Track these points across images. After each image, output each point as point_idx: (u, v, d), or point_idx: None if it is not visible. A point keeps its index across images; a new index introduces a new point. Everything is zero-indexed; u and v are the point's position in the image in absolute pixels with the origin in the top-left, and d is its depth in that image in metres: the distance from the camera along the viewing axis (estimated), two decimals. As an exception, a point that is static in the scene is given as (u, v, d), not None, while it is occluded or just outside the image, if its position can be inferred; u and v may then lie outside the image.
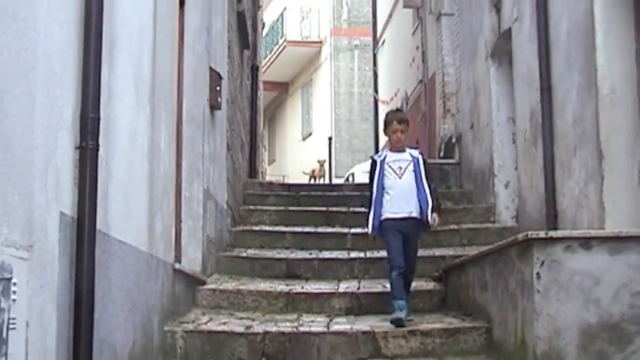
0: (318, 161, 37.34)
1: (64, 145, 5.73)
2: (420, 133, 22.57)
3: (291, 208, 16.04)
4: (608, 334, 7.17)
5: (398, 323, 9.25)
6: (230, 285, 11.49)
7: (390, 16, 28.39)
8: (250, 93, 20.43)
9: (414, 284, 10.89)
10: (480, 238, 13.27)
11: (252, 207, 16.09)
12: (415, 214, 9.68)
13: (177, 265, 9.90)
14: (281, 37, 45.30)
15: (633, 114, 9.34)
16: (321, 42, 43.96)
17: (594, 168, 9.52)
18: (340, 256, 13.04)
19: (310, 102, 45.68)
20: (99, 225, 6.18)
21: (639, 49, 9.37)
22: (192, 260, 11.08)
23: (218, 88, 12.50)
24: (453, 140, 18.00)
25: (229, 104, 14.31)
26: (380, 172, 9.84)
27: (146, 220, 8.21)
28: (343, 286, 11.49)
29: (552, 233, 8.03)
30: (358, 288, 11.36)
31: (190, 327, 9.48)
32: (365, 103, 39.26)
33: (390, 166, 9.81)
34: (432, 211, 9.70)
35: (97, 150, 6.09)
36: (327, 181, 34.02)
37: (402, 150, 9.99)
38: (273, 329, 9.46)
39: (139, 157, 7.95)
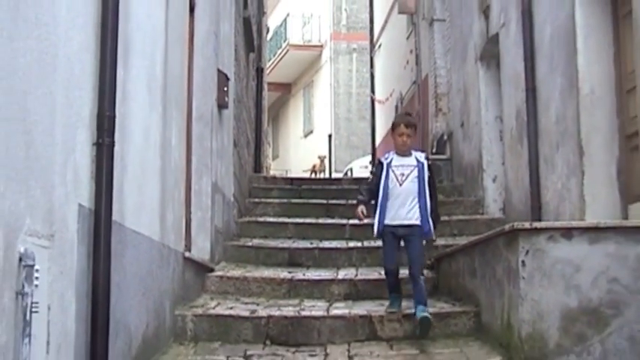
0: (319, 157, 37.36)
1: (82, 142, 5.76)
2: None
3: (293, 200, 16.04)
4: (587, 317, 7.19)
5: (390, 315, 9.12)
6: (236, 272, 11.50)
7: (386, 21, 28.35)
8: (255, 93, 20.42)
9: (407, 272, 10.92)
10: (469, 228, 13.27)
11: (257, 199, 16.10)
12: (414, 221, 8.99)
13: (187, 254, 9.92)
14: (284, 41, 45.26)
15: (611, 113, 9.35)
16: (321, 46, 43.91)
17: (575, 163, 9.53)
18: (339, 246, 13.04)
19: (311, 102, 45.64)
20: (114, 216, 6.21)
21: (617, 52, 9.38)
22: (201, 249, 11.09)
23: (225, 88, 12.51)
24: (445, 137, 18.00)
25: (236, 103, 14.31)
26: (385, 176, 9.17)
27: (158, 211, 8.23)
28: (342, 274, 11.49)
29: (536, 224, 8.06)
30: (356, 275, 11.36)
31: (199, 311, 9.51)
32: (362, 103, 39.22)
33: (393, 171, 9.16)
34: (432, 222, 9.08)
35: (113, 146, 6.12)
36: (327, 176, 34.02)
37: (408, 154, 9.26)
38: (277, 313, 9.47)
39: (151, 153, 7.97)
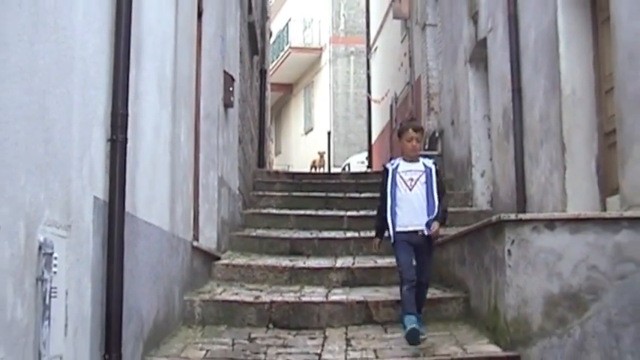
0: (319, 153, 37.36)
1: (97, 138, 5.78)
2: (407, 128, 22.56)
3: (294, 193, 16.05)
4: (568, 302, 7.20)
5: (413, 338, 7.72)
6: (241, 260, 11.51)
7: (382, 26, 28.34)
8: (259, 93, 20.42)
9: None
10: (459, 220, 13.26)
11: (260, 192, 16.11)
12: (424, 228, 8.19)
13: (195, 243, 9.93)
14: (286, 44, 45.24)
15: (591, 113, 9.37)
16: (321, 49, 43.88)
17: (558, 159, 9.54)
18: (337, 236, 13.05)
19: (311, 101, 45.61)
20: (127, 208, 6.22)
21: (596, 56, 9.39)
22: (208, 239, 11.11)
23: (231, 88, 12.52)
24: (436, 135, 18.01)
25: (241, 103, 14.32)
26: (392, 181, 8.37)
27: (168, 203, 8.25)
28: (340, 262, 11.49)
29: (521, 216, 8.07)
30: (353, 263, 11.36)
31: (207, 297, 9.53)
32: (359, 102, 39.18)
33: (401, 177, 8.34)
34: (434, 221, 8.23)
35: (126, 142, 6.14)
36: (326, 171, 34.02)
37: (415, 160, 8.46)
38: (279, 299, 9.48)
39: (161, 149, 7.99)
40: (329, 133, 39.37)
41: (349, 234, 13.22)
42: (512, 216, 7.82)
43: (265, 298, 9.53)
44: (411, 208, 8.26)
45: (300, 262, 11.44)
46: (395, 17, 23.92)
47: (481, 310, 8.34)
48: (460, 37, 15.26)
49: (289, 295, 9.85)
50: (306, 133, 45.92)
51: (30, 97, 4.35)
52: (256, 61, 19.36)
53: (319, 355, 7.90)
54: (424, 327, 8.12)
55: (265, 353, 7.91)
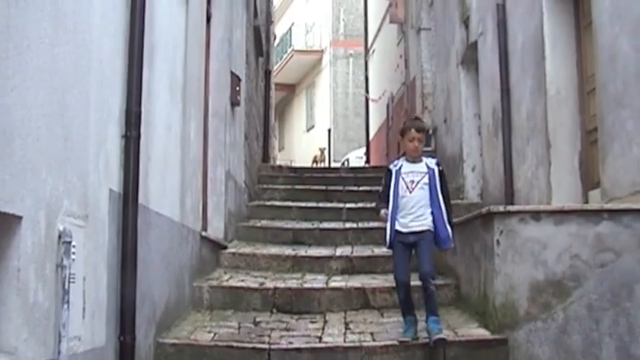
0: (319, 149, 37.39)
1: (112, 135, 5.81)
2: (403, 126, 22.55)
3: (297, 187, 15.99)
4: (552, 288, 7.23)
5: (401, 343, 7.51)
6: (247, 249, 11.52)
7: (379, 30, 28.31)
8: (264, 92, 20.39)
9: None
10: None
11: (265, 186, 16.08)
12: (425, 227, 7.59)
13: (203, 233, 9.96)
14: (289, 47, 45.16)
15: (574, 112, 9.38)
16: (322, 51, 43.81)
17: (543, 155, 9.55)
18: (337, 227, 13.04)
19: (313, 100, 45.56)
20: (140, 199, 6.25)
21: (579, 58, 9.40)
22: (216, 229, 11.13)
23: (237, 88, 12.53)
24: (430, 132, 17.96)
25: (247, 102, 14.33)
26: (395, 183, 7.82)
27: (179, 196, 8.27)
28: (339, 251, 11.49)
29: (509, 208, 8.09)
30: (351, 252, 11.36)
31: (215, 283, 9.55)
32: (358, 102, 39.11)
33: (403, 178, 7.77)
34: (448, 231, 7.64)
35: (139, 138, 6.16)
36: (326, 165, 34.00)
37: (418, 160, 7.85)
38: (282, 285, 9.51)
39: (172, 145, 8.01)
40: (329, 131, 39.38)
41: (348, 225, 13.22)
42: (501, 208, 7.85)
43: (269, 284, 9.55)
44: (409, 211, 7.67)
45: (302, 251, 11.45)
46: (391, 22, 23.92)
47: (471, 296, 8.37)
48: (452, 41, 15.26)
49: (292, 281, 9.87)
50: (308, 130, 45.87)
51: (50, 96, 4.38)
52: (261, 62, 19.35)
53: (320, 337, 7.93)
54: (440, 325, 7.52)
55: (269, 336, 7.93)
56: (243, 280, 9.88)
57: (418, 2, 19.64)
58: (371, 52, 30.49)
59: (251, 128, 15.70)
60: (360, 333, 8.04)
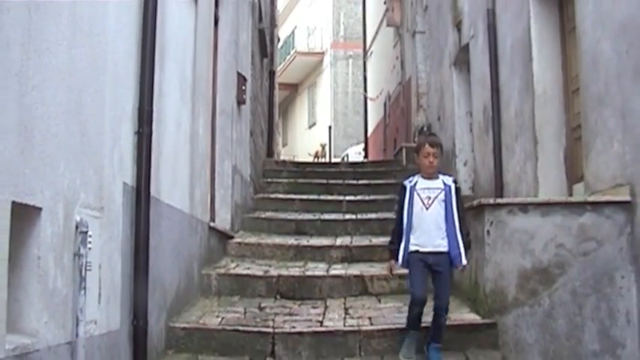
0: (321, 145, 37.36)
1: (126, 131, 5.83)
2: (399, 123, 22.55)
3: (299, 180, 16.01)
4: (539, 276, 7.25)
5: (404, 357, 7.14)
6: (252, 239, 11.54)
7: (377, 33, 28.27)
8: (268, 92, 20.40)
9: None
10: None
11: (269, 179, 16.09)
12: (443, 248, 6.96)
13: (211, 224, 9.98)
14: (292, 49, 45.12)
15: (560, 110, 9.36)
16: (323, 53, 43.76)
17: (531, 151, 9.55)
18: (337, 218, 13.06)
19: (314, 99, 45.52)
20: (152, 192, 6.28)
21: (564, 60, 9.39)
22: (223, 220, 11.15)
23: (243, 87, 12.54)
24: (425, 129, 17.98)
25: (252, 100, 14.34)
26: (409, 200, 7.12)
27: (188, 188, 8.29)
28: (339, 241, 11.52)
29: (499, 200, 8.11)
30: (351, 242, 11.39)
31: (222, 271, 9.58)
32: (357, 100, 39.05)
33: (419, 195, 7.10)
34: (464, 251, 7.00)
35: (151, 135, 6.19)
36: (327, 160, 33.99)
37: (434, 177, 7.20)
38: (285, 273, 9.53)
39: (182, 140, 8.03)
40: (330, 127, 39.37)
41: (347, 216, 13.24)
42: (491, 200, 7.86)
43: (273, 272, 9.58)
44: (427, 228, 7.01)
45: (304, 241, 11.48)
46: (388, 25, 23.89)
47: (463, 283, 8.38)
48: (445, 43, 15.25)
49: (294, 269, 9.90)
50: (310, 127, 45.84)
51: (68, 95, 4.40)
52: (266, 63, 19.36)
53: (321, 322, 7.95)
54: (439, 354, 7.05)
55: (273, 320, 7.96)
56: (248, 268, 9.91)
57: (413, 7, 19.63)
58: (369, 53, 30.45)
59: (256, 125, 15.71)
60: (358, 318, 8.07)
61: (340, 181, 15.78)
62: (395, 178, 16.20)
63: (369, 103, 29.88)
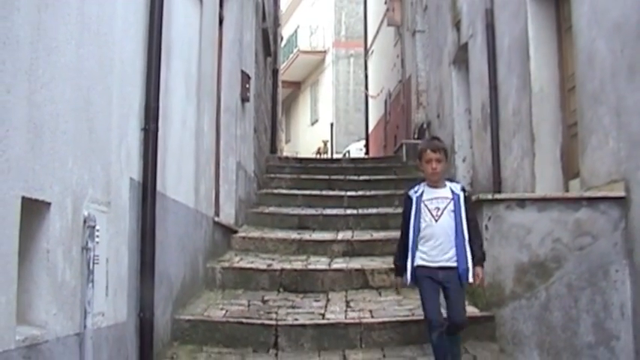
0: (323, 141, 37.37)
1: (132, 128, 5.84)
2: (400, 120, 22.55)
3: (302, 176, 16.01)
4: (536, 269, 7.26)
5: None
6: (256, 233, 11.54)
7: (378, 32, 28.25)
8: (272, 89, 20.38)
9: (393, 234, 10.92)
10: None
11: (272, 175, 16.09)
12: (454, 263, 6.30)
13: (216, 218, 9.99)
14: (295, 48, 45.04)
15: (556, 108, 9.37)
16: (325, 51, 43.69)
17: (528, 147, 9.56)
18: (339, 213, 13.05)
19: (317, 96, 45.47)
20: (158, 187, 6.28)
21: (560, 59, 9.39)
22: (227, 215, 11.16)
23: (247, 85, 12.54)
24: (424, 126, 17.98)
25: (256, 98, 14.34)
26: (416, 212, 6.44)
27: (193, 184, 8.30)
28: (341, 235, 11.50)
29: (497, 195, 8.12)
30: (352, 236, 11.37)
31: (226, 264, 9.58)
32: (358, 98, 38.98)
33: (426, 206, 6.41)
34: (474, 264, 6.33)
35: (157, 131, 6.19)
36: (329, 157, 33.97)
37: (441, 185, 6.53)
38: (288, 266, 9.53)
39: (187, 137, 8.04)
40: (331, 124, 39.28)
41: (349, 211, 13.23)
42: (489, 196, 7.87)
43: (276, 265, 9.58)
44: (437, 242, 6.34)
45: (307, 235, 11.47)
46: (389, 24, 23.88)
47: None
48: (445, 42, 15.24)
49: (297, 263, 9.90)
50: (312, 124, 45.79)
51: (76, 93, 4.41)
52: (269, 62, 19.35)
53: (323, 314, 7.96)
54: None
55: (276, 313, 7.97)
56: (252, 262, 9.91)
57: (413, 7, 19.63)
58: (370, 52, 30.43)
59: (260, 122, 15.71)
60: (359, 310, 8.08)
61: (342, 177, 15.77)
62: (395, 174, 16.22)
63: (370, 100, 29.87)
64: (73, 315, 4.37)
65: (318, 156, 33.81)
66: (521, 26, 9.82)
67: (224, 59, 11.20)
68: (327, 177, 15.86)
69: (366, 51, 31.00)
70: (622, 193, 7.02)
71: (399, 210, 12.34)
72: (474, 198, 7.79)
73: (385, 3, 24.66)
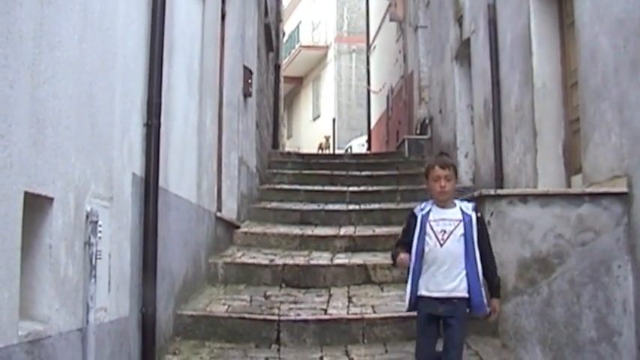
0: (325, 136, 37.37)
1: (135, 123, 5.84)
2: (402, 115, 22.54)
3: (304, 171, 15.98)
4: (538, 265, 7.25)
5: None
6: (258, 229, 11.54)
7: (380, 27, 28.23)
8: (274, 85, 20.36)
9: (395, 229, 10.92)
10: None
11: (274, 170, 16.06)
12: (459, 293, 5.51)
13: (218, 214, 9.99)
14: (297, 43, 45.05)
15: (558, 103, 9.37)
16: (327, 47, 43.70)
17: (530, 143, 9.56)
18: (341, 208, 13.05)
19: (319, 92, 45.48)
20: (161, 183, 6.29)
21: (563, 54, 9.39)
22: (229, 210, 11.16)
23: (250, 81, 12.54)
24: (427, 121, 17.98)
25: (258, 93, 14.33)
26: (420, 232, 5.64)
27: (195, 179, 8.30)
28: (343, 231, 11.50)
29: (499, 191, 8.11)
30: (354, 232, 11.37)
31: (229, 260, 9.59)
32: (360, 93, 38.98)
33: (431, 227, 5.61)
34: (491, 295, 5.72)
35: (159, 127, 6.19)
36: (331, 152, 33.97)
37: (451, 205, 5.72)
38: (290, 262, 9.54)
39: (190, 132, 8.04)
40: (334, 120, 39.33)
41: (351, 206, 13.23)
42: (492, 191, 7.86)
43: (279, 261, 9.59)
44: (440, 269, 5.56)
45: (309, 231, 11.47)
46: (391, 20, 23.86)
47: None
48: (447, 38, 15.24)
49: (299, 258, 9.90)
50: (314, 119, 45.81)
51: (79, 88, 4.41)
52: (271, 57, 19.34)
53: (325, 310, 7.97)
54: None
55: (279, 308, 7.98)
56: (254, 257, 9.92)
57: (416, 2, 19.61)
58: (372, 47, 30.41)
59: (262, 117, 15.70)
60: (362, 306, 8.08)
61: (344, 172, 15.75)
62: (397, 169, 16.22)
63: (372, 96, 29.85)
64: (75, 310, 4.37)
65: (320, 151, 33.78)
66: (524, 22, 9.82)
67: (226, 54, 11.20)
68: (329, 172, 15.83)
69: (368, 46, 30.98)
70: (624, 189, 7.02)
71: (402, 206, 12.48)
72: (476, 193, 7.80)
73: (387, -2, 24.68)
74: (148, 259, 6.03)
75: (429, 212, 5.70)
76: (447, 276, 5.53)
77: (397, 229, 10.38)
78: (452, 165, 5.86)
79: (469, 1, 13.01)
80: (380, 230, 11.29)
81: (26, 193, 3.64)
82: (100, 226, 4.67)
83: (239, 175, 11.49)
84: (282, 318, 7.52)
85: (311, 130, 44.69)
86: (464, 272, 5.52)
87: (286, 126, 41.40)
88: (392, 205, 13.00)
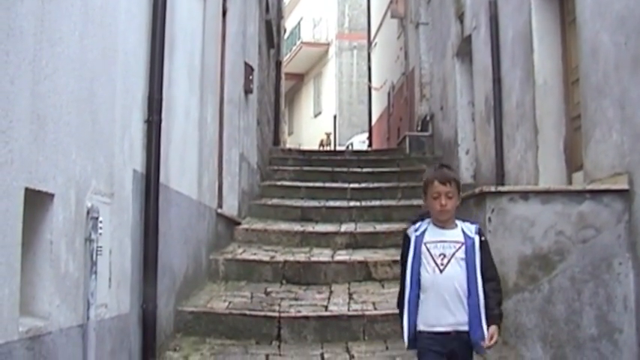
0: (326, 133, 37.39)
1: (136, 119, 5.84)
2: (403, 112, 22.52)
3: (305, 168, 16.00)
4: (539, 262, 7.24)
5: None
6: (259, 225, 11.55)
7: (381, 24, 28.21)
8: (275, 81, 20.36)
9: (396, 226, 10.94)
10: (446, 192, 13.23)
11: (275, 167, 16.08)
12: (464, 326, 4.70)
13: (219, 210, 9.99)
14: (298, 39, 45.05)
15: (560, 100, 9.36)
16: (328, 43, 43.68)
17: (531, 140, 9.55)
18: (342, 205, 13.06)
19: (320, 89, 45.46)
20: (162, 179, 6.29)
21: (564, 51, 9.38)
22: (230, 206, 11.16)
23: (251, 77, 12.54)
24: (428, 118, 17.97)
25: (259, 90, 14.33)
26: (414, 256, 4.81)
27: (196, 176, 8.30)
28: (344, 227, 11.51)
29: (500, 188, 8.08)
30: (355, 229, 11.38)
31: (229, 256, 9.59)
32: (361, 90, 38.96)
33: (428, 249, 4.78)
34: (488, 323, 4.73)
35: (160, 123, 6.20)
36: (332, 149, 33.95)
37: (450, 225, 4.88)
38: (291, 258, 9.54)
39: (191, 129, 8.04)
40: (335, 117, 39.34)
41: (352, 203, 13.23)
42: (493, 188, 7.83)
43: (279, 257, 9.59)
44: (441, 299, 4.72)
45: (310, 227, 11.48)
46: (392, 16, 23.85)
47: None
48: (448, 34, 15.23)
49: (300, 255, 9.91)
50: (315, 116, 45.79)
51: (80, 84, 4.41)
52: (272, 53, 19.34)
53: (326, 306, 7.97)
54: None
55: (279, 305, 7.98)
56: (255, 254, 9.92)
57: (417, -1, 19.63)
58: (373, 44, 30.39)
59: (263, 114, 15.70)
60: (362, 302, 8.09)
61: (345, 169, 15.76)
62: (398, 166, 16.21)
63: (373, 92, 29.83)
64: (76, 306, 4.37)
65: (321, 148, 33.77)
66: (525, 18, 9.81)
67: (227, 51, 11.20)
68: (330, 169, 15.86)
69: (370, 43, 30.95)
70: (625, 186, 7.02)
71: (402, 202, 12.49)
72: (477, 190, 7.79)
73: (389, -5, 24.67)
74: (148, 255, 6.04)
75: (424, 232, 4.90)
76: (449, 307, 4.72)
77: (398, 226, 10.46)
78: (454, 179, 4.94)
79: (470, -3, 13.02)
80: (381, 227, 11.30)
81: (27, 189, 3.64)
82: (101, 222, 4.68)
83: (240, 172, 11.50)
84: (282, 314, 7.53)
85: (312, 127, 44.69)
86: (466, 302, 4.73)
87: (287, 123, 41.38)
88: (393, 202, 13.01)
